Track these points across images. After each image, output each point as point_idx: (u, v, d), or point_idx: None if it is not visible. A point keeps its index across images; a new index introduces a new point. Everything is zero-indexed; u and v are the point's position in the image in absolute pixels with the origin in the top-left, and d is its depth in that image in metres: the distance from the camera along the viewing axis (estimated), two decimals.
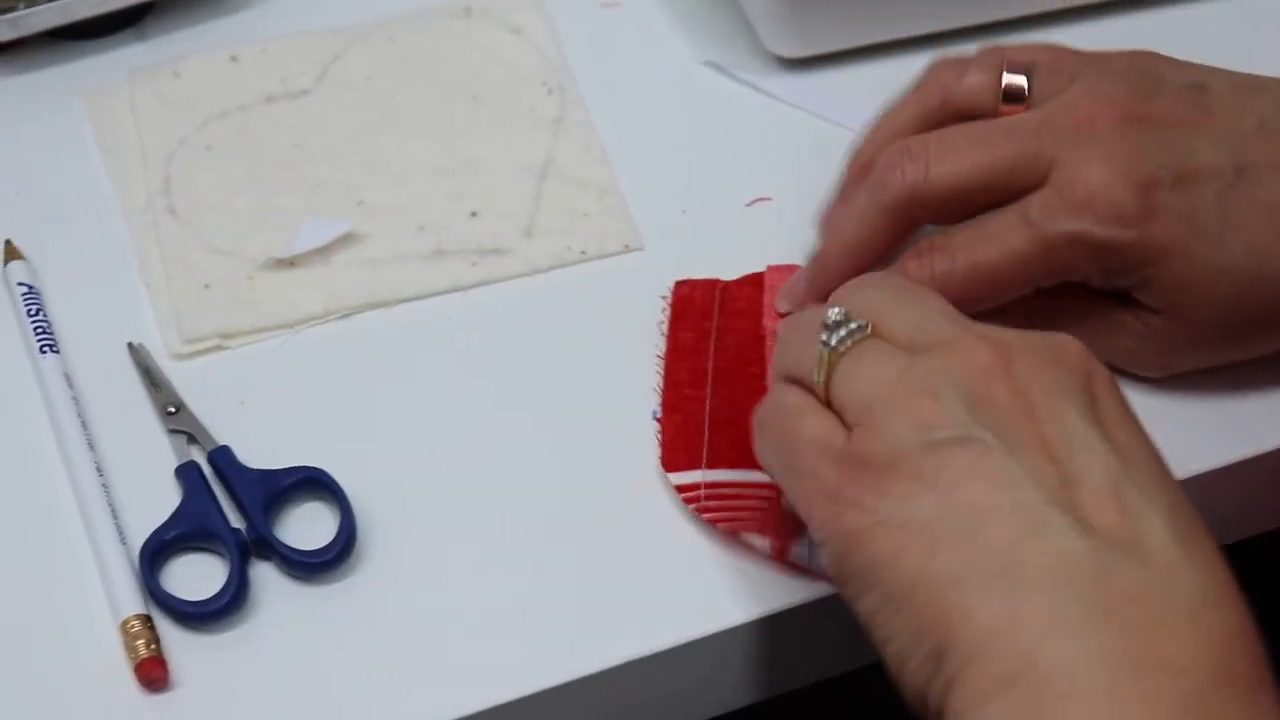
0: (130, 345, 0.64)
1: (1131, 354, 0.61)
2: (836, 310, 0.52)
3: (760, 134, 0.71)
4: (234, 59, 0.73)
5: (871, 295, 0.53)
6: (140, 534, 0.59)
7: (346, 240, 0.67)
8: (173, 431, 0.62)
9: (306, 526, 0.60)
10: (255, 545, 0.59)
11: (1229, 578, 0.48)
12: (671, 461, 0.61)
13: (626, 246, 0.68)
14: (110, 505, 0.60)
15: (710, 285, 0.66)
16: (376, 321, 0.66)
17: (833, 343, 0.52)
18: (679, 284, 0.66)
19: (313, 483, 0.60)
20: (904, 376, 0.50)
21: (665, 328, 0.65)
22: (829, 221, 0.64)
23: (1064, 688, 0.45)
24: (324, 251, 0.67)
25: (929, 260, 0.60)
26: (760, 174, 0.69)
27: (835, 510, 0.50)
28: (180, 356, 0.64)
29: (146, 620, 0.57)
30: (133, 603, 0.57)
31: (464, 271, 0.67)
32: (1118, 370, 0.60)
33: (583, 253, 0.68)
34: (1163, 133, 0.58)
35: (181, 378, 0.64)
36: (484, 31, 0.75)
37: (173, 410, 0.63)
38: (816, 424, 0.52)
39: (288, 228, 0.68)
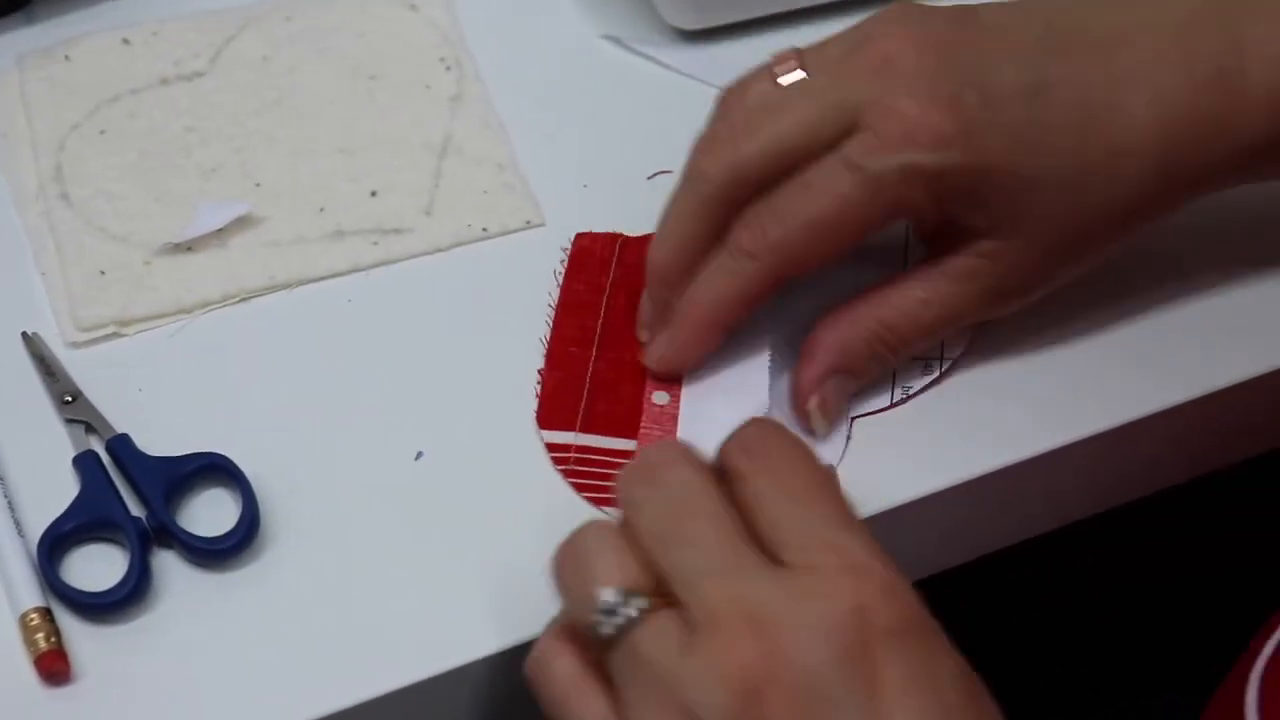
0: (25, 335, 0.64)
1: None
2: (611, 593, 0.49)
3: (660, 107, 0.71)
4: (126, 41, 0.72)
5: (649, 510, 0.50)
6: (38, 526, 0.58)
7: (245, 222, 0.67)
8: (70, 421, 0.61)
9: (209, 513, 0.59)
10: (156, 534, 0.58)
11: None
12: (546, 419, 0.61)
13: (528, 223, 0.68)
14: (6, 497, 0.59)
15: (610, 239, 0.66)
16: (277, 304, 0.65)
17: (603, 632, 0.49)
18: (579, 236, 0.66)
19: (214, 469, 0.60)
20: (674, 685, 0.47)
21: (560, 278, 0.64)
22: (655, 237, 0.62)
23: None
24: (221, 234, 0.66)
25: (758, 228, 0.59)
26: (661, 147, 0.68)
27: None
28: (76, 345, 0.64)
29: (46, 613, 0.56)
30: (31, 595, 0.56)
31: (364, 251, 0.66)
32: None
33: (484, 230, 0.67)
34: (955, 55, 0.58)
35: (78, 366, 0.63)
36: (381, 9, 0.74)
37: (69, 399, 0.62)
38: (591, 710, 0.49)
39: (184, 212, 0.67)
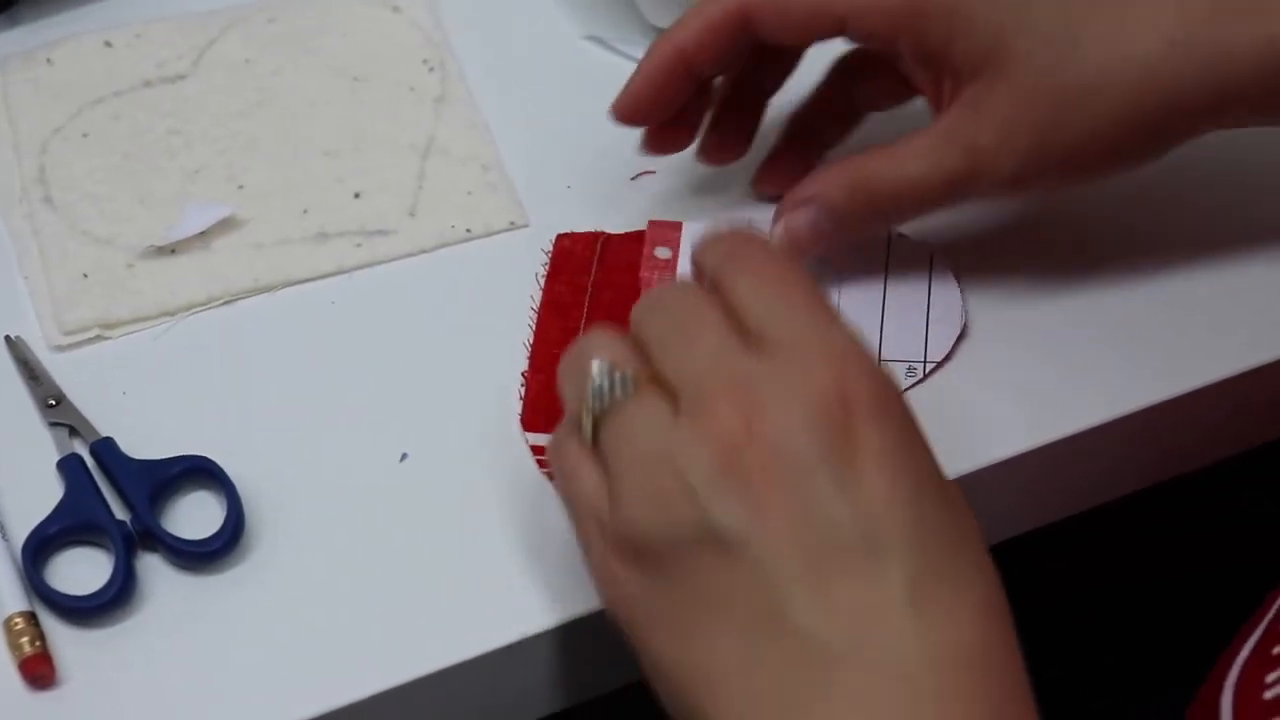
0: (8, 338, 0.63)
1: (969, 153, 0.59)
2: (599, 367, 0.51)
3: None
4: (108, 44, 0.72)
5: (654, 324, 0.52)
6: (23, 529, 0.58)
7: (228, 225, 0.67)
8: (54, 424, 0.61)
9: (194, 516, 0.59)
10: (141, 537, 0.58)
11: (977, 615, 0.48)
12: (531, 421, 0.61)
13: (512, 223, 0.68)
14: None
15: (592, 238, 0.66)
16: (260, 306, 0.65)
17: (594, 407, 0.51)
18: (560, 237, 0.66)
19: (198, 471, 0.60)
20: (660, 449, 0.49)
21: (542, 280, 0.64)
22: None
23: None
24: (205, 237, 0.66)
25: None
26: None
27: (602, 578, 0.51)
28: (60, 348, 0.63)
29: (31, 617, 0.56)
30: (16, 600, 0.56)
31: (348, 253, 0.66)
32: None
33: (468, 231, 0.67)
34: None
35: (62, 370, 0.63)
36: (363, 10, 0.74)
37: (53, 403, 0.62)
38: (589, 483, 0.51)
39: (168, 214, 0.67)
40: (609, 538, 0.51)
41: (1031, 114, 0.58)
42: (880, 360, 0.62)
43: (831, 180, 0.61)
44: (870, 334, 0.63)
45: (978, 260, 0.65)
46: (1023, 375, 0.63)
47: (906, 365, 0.62)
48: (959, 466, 0.60)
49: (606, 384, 0.51)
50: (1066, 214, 0.66)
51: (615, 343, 0.52)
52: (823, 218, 0.61)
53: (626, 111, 0.64)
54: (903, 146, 0.60)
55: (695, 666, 0.49)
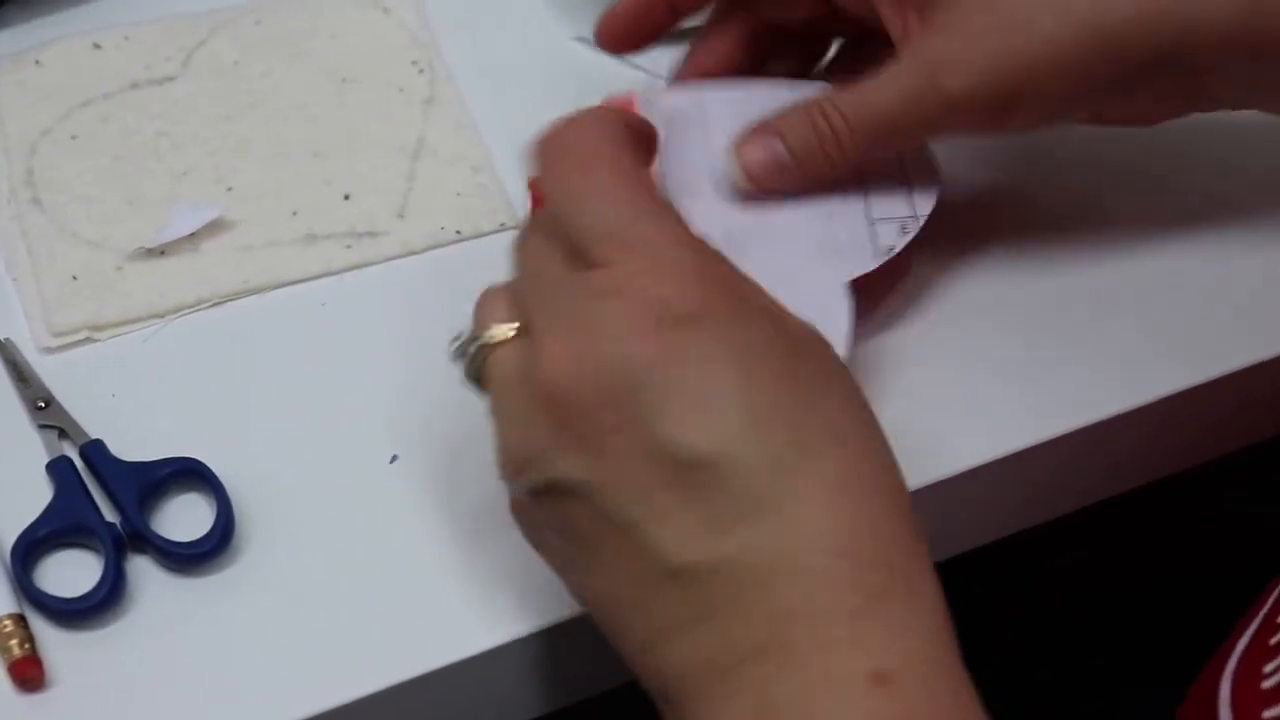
0: None
1: (926, 70, 0.58)
2: (456, 338, 0.53)
3: None
4: (97, 46, 0.72)
5: (514, 267, 0.54)
6: (12, 532, 0.58)
7: (217, 227, 0.67)
8: (43, 427, 0.61)
9: (184, 518, 0.59)
10: (131, 539, 0.58)
11: (836, 496, 0.48)
12: None
13: (502, 225, 0.68)
14: None
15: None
16: (250, 308, 0.65)
17: (463, 369, 0.53)
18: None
19: (188, 473, 0.59)
20: (508, 408, 0.51)
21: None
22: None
23: (680, 694, 0.48)
24: (194, 239, 0.66)
25: None
26: None
27: (518, 524, 0.54)
28: (49, 350, 0.63)
29: (20, 619, 0.56)
30: (5, 602, 0.56)
31: (338, 255, 0.66)
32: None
33: (458, 232, 0.67)
34: None
35: (51, 372, 0.63)
36: (352, 12, 0.74)
37: (42, 405, 0.62)
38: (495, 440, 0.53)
39: (157, 216, 0.67)
40: (509, 491, 0.53)
41: (986, 25, 0.57)
42: (875, 219, 0.61)
43: (792, 114, 0.60)
44: (855, 199, 0.61)
45: (977, 250, 0.65)
46: (1007, 376, 0.63)
47: (898, 223, 0.61)
48: (948, 467, 0.60)
49: (467, 356, 0.53)
50: (1067, 209, 0.67)
51: (489, 303, 0.53)
52: (782, 153, 0.60)
53: (602, 32, 0.67)
54: (864, 78, 0.60)
55: (598, 594, 0.51)
